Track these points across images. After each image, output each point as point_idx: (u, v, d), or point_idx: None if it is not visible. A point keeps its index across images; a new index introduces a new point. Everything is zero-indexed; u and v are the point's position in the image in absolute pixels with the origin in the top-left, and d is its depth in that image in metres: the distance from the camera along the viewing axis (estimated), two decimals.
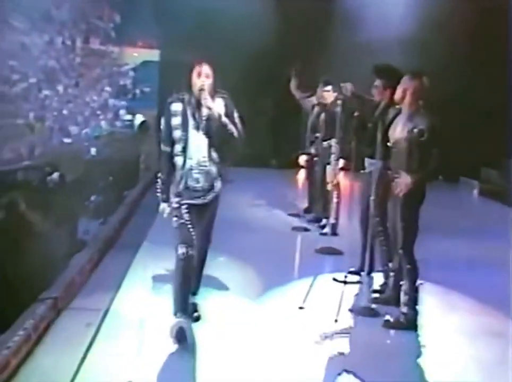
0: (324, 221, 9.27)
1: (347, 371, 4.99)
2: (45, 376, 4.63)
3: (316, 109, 9.41)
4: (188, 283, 5.47)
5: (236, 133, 5.37)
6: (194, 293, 5.79)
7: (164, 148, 5.49)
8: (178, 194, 5.45)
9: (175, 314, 5.31)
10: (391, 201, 6.10)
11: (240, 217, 9.88)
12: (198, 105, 5.33)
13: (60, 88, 13.38)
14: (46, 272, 6.64)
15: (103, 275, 6.99)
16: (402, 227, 5.92)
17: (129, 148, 12.61)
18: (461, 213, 11.35)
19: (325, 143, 9.02)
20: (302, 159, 9.82)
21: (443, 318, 6.30)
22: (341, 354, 5.36)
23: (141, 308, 5.91)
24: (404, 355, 5.47)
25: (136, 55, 14.40)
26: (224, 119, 5.29)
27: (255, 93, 13.82)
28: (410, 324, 5.88)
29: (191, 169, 5.37)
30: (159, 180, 5.61)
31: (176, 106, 5.41)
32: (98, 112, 13.55)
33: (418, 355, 5.45)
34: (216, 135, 5.34)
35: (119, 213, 9.58)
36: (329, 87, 9.03)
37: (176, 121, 5.38)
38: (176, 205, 5.46)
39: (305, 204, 10.18)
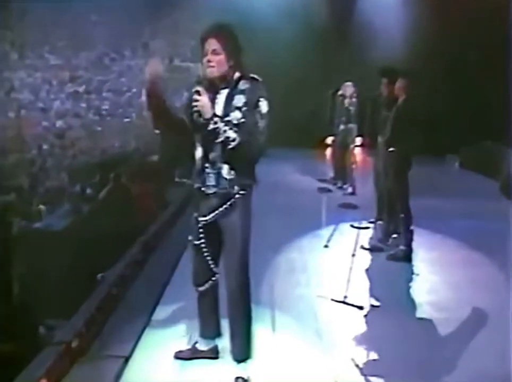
0: (344, 185, 9.21)
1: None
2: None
3: (339, 100, 9.20)
4: (216, 308, 3.50)
5: (236, 141, 3.01)
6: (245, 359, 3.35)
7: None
8: (195, 202, 3.31)
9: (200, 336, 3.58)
10: (385, 168, 6.10)
11: (281, 182, 9.83)
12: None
13: None
14: (141, 223, 6.77)
15: (183, 224, 7.02)
16: (396, 187, 5.88)
17: None
18: (446, 179, 11.16)
19: (345, 126, 8.87)
20: (329, 139, 9.56)
21: (429, 254, 6.13)
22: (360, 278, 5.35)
23: None
24: (401, 278, 5.42)
25: None
26: (220, 121, 3.03)
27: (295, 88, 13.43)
28: (406, 257, 5.79)
29: (206, 164, 3.18)
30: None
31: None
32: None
33: (411, 279, 5.43)
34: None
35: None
36: (349, 83, 8.91)
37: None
38: (194, 220, 3.30)
39: (331, 173, 10.04)
